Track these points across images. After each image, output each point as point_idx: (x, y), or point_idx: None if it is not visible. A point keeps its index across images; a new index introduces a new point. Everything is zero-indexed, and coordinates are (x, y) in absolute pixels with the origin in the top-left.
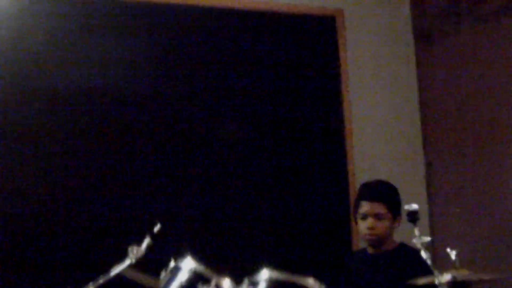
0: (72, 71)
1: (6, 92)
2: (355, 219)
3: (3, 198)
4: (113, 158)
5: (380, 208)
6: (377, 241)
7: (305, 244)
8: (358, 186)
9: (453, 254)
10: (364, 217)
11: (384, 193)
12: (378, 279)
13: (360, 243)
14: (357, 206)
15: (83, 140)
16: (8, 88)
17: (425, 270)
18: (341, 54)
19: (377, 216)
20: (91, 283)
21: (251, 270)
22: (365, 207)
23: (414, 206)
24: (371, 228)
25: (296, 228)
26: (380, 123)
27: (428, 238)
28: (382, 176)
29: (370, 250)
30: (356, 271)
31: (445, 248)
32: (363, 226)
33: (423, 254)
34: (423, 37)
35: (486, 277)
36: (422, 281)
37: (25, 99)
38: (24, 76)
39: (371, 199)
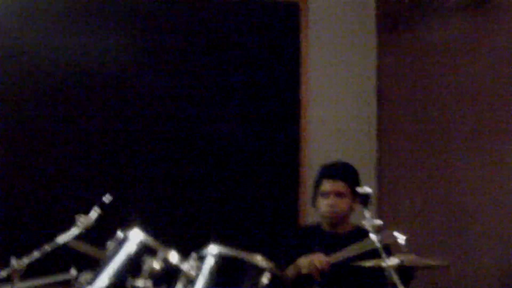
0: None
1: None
2: (314, 200)
3: None
4: (68, 127)
5: (341, 187)
6: (338, 219)
7: (254, 222)
8: (310, 166)
9: (401, 239)
10: (325, 195)
11: (345, 172)
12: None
13: (306, 219)
14: (317, 185)
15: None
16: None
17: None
18: (303, 39)
19: (338, 194)
20: (37, 251)
21: (198, 245)
22: (326, 185)
23: (367, 189)
24: (332, 206)
25: (246, 206)
26: (336, 108)
27: (379, 221)
28: (334, 158)
29: (326, 228)
30: (309, 246)
31: (394, 232)
32: (323, 204)
33: (373, 236)
34: (388, 25)
35: (432, 262)
36: (369, 263)
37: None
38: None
39: (333, 177)
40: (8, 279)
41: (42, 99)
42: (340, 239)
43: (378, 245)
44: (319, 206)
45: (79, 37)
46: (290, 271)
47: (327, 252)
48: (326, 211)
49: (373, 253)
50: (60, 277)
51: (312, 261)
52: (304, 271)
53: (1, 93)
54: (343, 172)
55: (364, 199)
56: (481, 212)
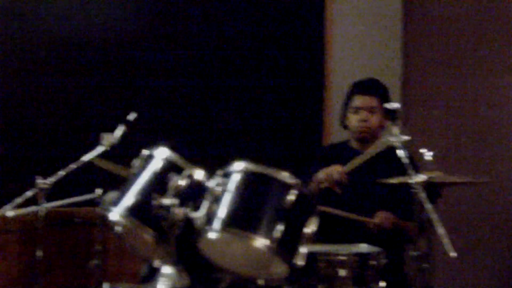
0: None
1: None
2: (343, 118)
3: None
4: (90, 47)
5: (373, 102)
6: (369, 135)
7: (279, 140)
8: (334, 85)
9: (428, 155)
10: (357, 110)
11: (377, 88)
12: (365, 176)
13: (330, 140)
14: (348, 101)
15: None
16: None
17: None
18: None
19: (370, 110)
20: (62, 170)
21: (224, 163)
22: (358, 100)
23: (395, 105)
24: (364, 121)
25: (271, 123)
26: (362, 25)
27: (407, 137)
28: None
29: (355, 145)
30: (337, 164)
31: (421, 148)
32: (355, 119)
33: (401, 152)
34: None
35: (460, 179)
36: (395, 180)
37: None
38: None
39: (365, 92)
40: (33, 199)
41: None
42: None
43: (405, 161)
44: (349, 122)
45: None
46: (313, 188)
47: (355, 171)
48: (357, 126)
49: (400, 170)
50: (85, 197)
51: (329, 174)
52: (323, 185)
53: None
54: (375, 88)
55: (392, 115)
56: (509, 133)
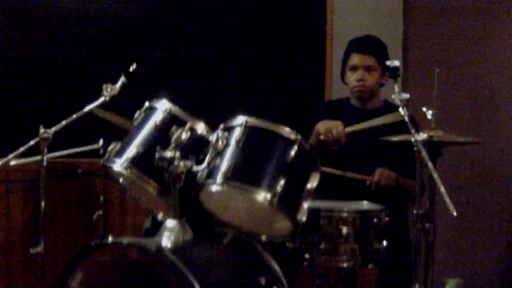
0: None
1: None
2: (342, 74)
3: None
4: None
5: (370, 60)
6: (367, 93)
7: (281, 96)
8: (336, 41)
9: (429, 114)
10: (354, 69)
11: (374, 46)
12: (366, 133)
13: (332, 96)
14: (346, 59)
15: None
16: None
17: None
18: None
19: (367, 68)
20: (65, 120)
21: (227, 116)
22: (355, 59)
23: (396, 62)
24: (361, 80)
25: (273, 79)
26: None
27: (407, 95)
28: (359, 32)
29: (355, 103)
30: (339, 119)
31: (420, 107)
32: (352, 78)
33: (402, 111)
34: None
35: (461, 139)
36: (397, 138)
37: None
38: None
39: (362, 51)
40: (36, 149)
41: None
42: (369, 114)
43: (406, 119)
44: (348, 80)
45: None
46: (311, 139)
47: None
48: (355, 85)
49: (401, 128)
50: (88, 147)
51: (329, 128)
52: (321, 137)
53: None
54: (372, 46)
55: (393, 73)
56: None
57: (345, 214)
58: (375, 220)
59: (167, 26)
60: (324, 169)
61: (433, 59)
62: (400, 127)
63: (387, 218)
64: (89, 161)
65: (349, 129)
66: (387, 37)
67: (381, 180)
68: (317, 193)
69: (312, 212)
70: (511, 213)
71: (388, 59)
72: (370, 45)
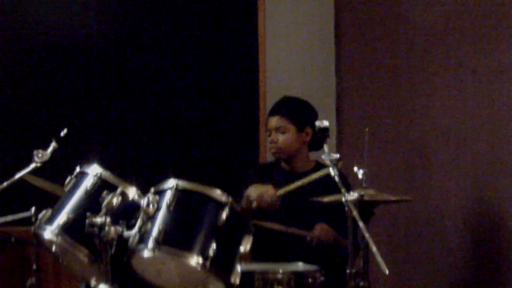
0: None
1: None
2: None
3: None
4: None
5: (280, 121)
6: (282, 154)
7: (215, 159)
8: (268, 98)
9: (360, 173)
10: (268, 131)
11: (284, 107)
12: (298, 194)
13: (267, 156)
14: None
15: None
16: None
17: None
18: None
19: (278, 129)
20: None
21: (157, 180)
22: (269, 122)
23: (325, 123)
24: (273, 142)
25: (205, 140)
26: (295, 43)
27: (337, 155)
28: (293, 92)
29: (284, 166)
30: (271, 183)
31: (352, 167)
32: (268, 141)
33: (332, 171)
34: None
35: (392, 197)
36: (328, 198)
37: None
38: None
39: (272, 113)
40: None
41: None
42: (299, 177)
43: (336, 179)
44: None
45: None
46: (243, 203)
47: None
48: (270, 148)
49: (332, 188)
50: (19, 215)
51: (261, 194)
52: (254, 205)
53: None
54: (282, 107)
55: (322, 133)
56: (443, 149)
57: (280, 276)
58: (310, 280)
59: (96, 90)
60: (265, 224)
61: (365, 117)
62: (332, 187)
63: (322, 278)
64: (22, 229)
65: (280, 191)
66: (321, 96)
67: (321, 235)
68: (255, 252)
69: (246, 274)
70: (448, 268)
71: (303, 115)
72: (279, 107)
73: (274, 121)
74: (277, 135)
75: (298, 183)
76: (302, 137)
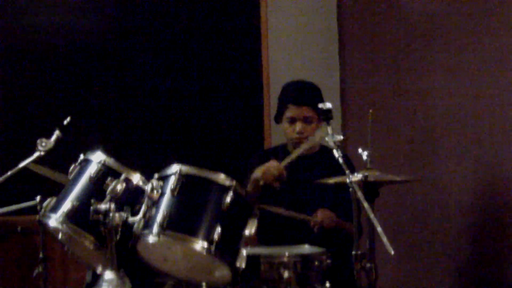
0: None
1: None
2: (278, 119)
3: None
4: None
5: (310, 112)
6: (303, 142)
7: (218, 142)
8: (272, 83)
9: (364, 155)
10: (292, 120)
11: (311, 96)
12: (303, 176)
13: (272, 142)
14: (283, 108)
15: None
16: None
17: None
18: None
19: (306, 120)
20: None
21: (161, 165)
22: (293, 111)
23: (328, 105)
24: (301, 132)
25: (209, 125)
26: (297, 24)
27: (341, 137)
28: (297, 74)
29: (292, 150)
30: None
31: (356, 148)
32: (291, 130)
33: (336, 153)
34: None
35: (397, 178)
36: (332, 180)
37: None
38: None
39: (300, 103)
40: None
41: None
42: (306, 160)
43: (340, 160)
44: (285, 131)
45: None
46: (250, 187)
47: (293, 174)
48: (294, 137)
49: (337, 170)
50: (26, 204)
51: (266, 170)
52: (261, 182)
53: None
54: (309, 97)
55: (325, 115)
56: (447, 130)
57: (285, 259)
58: (317, 263)
59: (99, 78)
60: (268, 208)
61: (370, 99)
62: (336, 168)
63: (329, 260)
64: (28, 219)
65: (284, 162)
66: (324, 79)
67: (323, 221)
68: (259, 236)
69: (252, 258)
70: (453, 250)
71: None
72: (307, 96)
73: (303, 111)
74: (305, 125)
75: (298, 150)
76: (319, 125)
